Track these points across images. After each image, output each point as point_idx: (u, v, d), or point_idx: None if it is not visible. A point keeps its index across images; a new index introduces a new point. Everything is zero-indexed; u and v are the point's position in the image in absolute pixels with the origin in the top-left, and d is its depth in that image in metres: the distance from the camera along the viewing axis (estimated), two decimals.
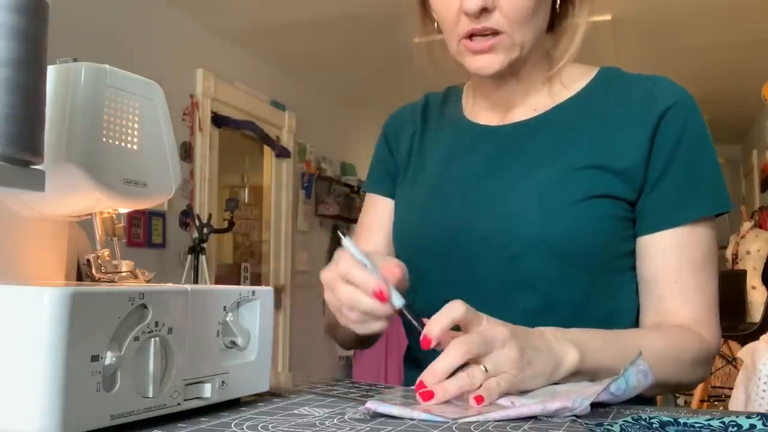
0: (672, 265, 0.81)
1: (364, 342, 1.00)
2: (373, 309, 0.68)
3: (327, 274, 0.71)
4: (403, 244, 0.93)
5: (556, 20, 0.88)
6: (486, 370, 0.62)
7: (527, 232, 0.81)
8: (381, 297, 0.67)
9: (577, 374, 0.68)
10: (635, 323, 0.85)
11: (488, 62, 0.82)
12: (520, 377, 0.63)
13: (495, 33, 0.81)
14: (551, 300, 0.81)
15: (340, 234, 0.69)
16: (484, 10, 0.79)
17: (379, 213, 1.01)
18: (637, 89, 0.85)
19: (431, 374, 0.62)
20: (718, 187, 0.83)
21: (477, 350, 0.62)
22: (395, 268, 0.69)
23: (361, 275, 0.67)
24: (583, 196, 0.81)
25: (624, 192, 0.82)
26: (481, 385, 0.62)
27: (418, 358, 0.92)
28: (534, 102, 0.90)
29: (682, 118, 0.82)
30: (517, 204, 0.83)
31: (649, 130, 0.82)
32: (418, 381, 0.63)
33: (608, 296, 0.83)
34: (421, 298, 0.85)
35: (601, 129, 0.85)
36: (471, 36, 0.82)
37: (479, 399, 0.60)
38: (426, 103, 1.02)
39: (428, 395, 0.61)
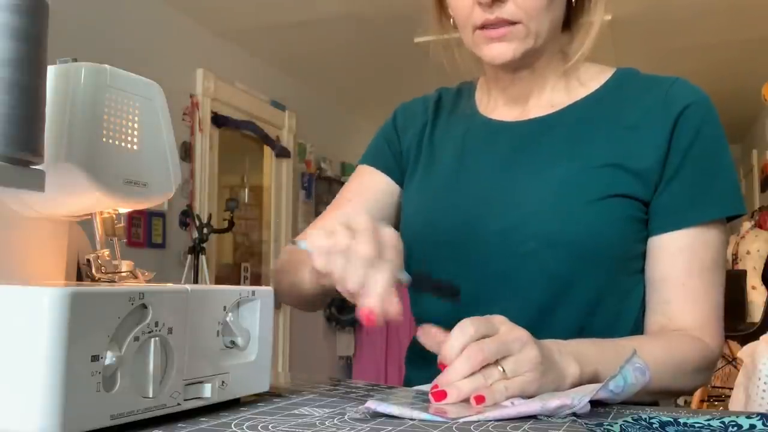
0: (681, 267, 0.81)
1: (311, 303, 0.94)
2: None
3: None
4: (416, 236, 0.92)
5: (572, 18, 0.89)
6: (503, 371, 0.62)
7: (543, 229, 0.81)
8: (372, 322, 0.63)
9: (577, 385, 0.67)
10: (639, 324, 0.85)
11: (502, 50, 0.82)
12: (537, 383, 0.62)
13: (509, 23, 0.81)
14: (563, 298, 0.81)
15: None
16: (497, 0, 0.79)
17: (368, 185, 0.99)
18: (654, 90, 0.85)
19: (445, 380, 0.62)
20: (731, 190, 0.82)
21: (494, 356, 0.62)
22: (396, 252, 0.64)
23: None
24: (600, 195, 0.80)
25: (640, 192, 0.81)
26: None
27: (424, 354, 0.91)
28: (550, 98, 0.90)
29: (698, 118, 0.82)
30: (534, 200, 0.82)
31: (667, 131, 0.82)
32: (433, 383, 0.62)
33: (618, 297, 0.83)
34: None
35: (618, 128, 0.84)
36: (485, 27, 0.82)
37: (480, 399, 0.60)
38: (439, 98, 1.02)
39: (441, 395, 0.61)
